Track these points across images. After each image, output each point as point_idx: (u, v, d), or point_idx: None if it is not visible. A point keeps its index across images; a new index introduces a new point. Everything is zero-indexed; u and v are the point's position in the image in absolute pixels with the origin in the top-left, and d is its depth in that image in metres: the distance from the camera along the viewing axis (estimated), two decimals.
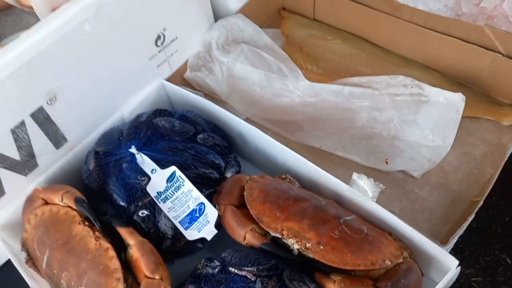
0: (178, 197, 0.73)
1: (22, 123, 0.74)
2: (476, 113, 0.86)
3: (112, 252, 0.69)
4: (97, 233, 0.70)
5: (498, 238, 0.80)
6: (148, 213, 0.73)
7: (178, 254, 0.78)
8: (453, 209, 0.77)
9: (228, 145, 0.84)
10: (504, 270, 0.77)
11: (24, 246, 0.77)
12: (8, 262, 0.85)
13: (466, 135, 0.85)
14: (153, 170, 0.74)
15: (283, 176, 0.79)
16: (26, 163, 0.78)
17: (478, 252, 0.79)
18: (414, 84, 0.85)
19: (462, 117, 0.85)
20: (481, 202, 0.71)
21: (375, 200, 0.70)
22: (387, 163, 0.83)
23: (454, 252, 0.79)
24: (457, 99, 0.81)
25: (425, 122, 0.84)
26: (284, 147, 0.79)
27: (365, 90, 0.89)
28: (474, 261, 0.78)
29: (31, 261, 0.76)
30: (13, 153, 0.75)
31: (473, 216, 0.68)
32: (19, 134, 0.74)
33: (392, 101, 0.87)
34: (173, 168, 0.73)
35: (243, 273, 0.64)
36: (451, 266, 0.62)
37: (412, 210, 0.78)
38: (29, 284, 0.73)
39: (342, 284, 0.62)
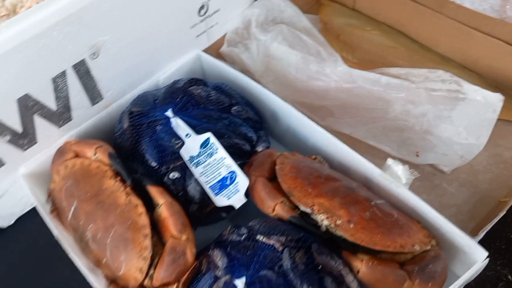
0: (210, 163, 0.73)
1: (64, 73, 0.74)
2: (510, 116, 0.86)
3: (141, 209, 0.69)
4: (128, 189, 0.71)
5: (501, 254, 0.79)
6: (179, 176, 0.73)
7: (202, 221, 0.78)
8: (480, 207, 0.77)
9: (261, 121, 0.84)
10: (504, 287, 0.76)
11: (50, 197, 0.78)
12: (30, 211, 0.86)
13: (499, 137, 0.85)
14: (187, 134, 0.74)
15: (313, 157, 0.79)
16: (61, 115, 0.79)
17: None
18: (453, 80, 0.84)
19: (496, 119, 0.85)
20: (510, 203, 0.71)
21: (408, 187, 0.70)
22: (417, 155, 0.83)
23: None
24: (495, 99, 0.81)
25: (460, 119, 0.83)
26: (317, 126, 0.79)
27: (403, 82, 0.88)
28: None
29: (56, 211, 0.77)
30: (51, 103, 0.76)
31: (503, 213, 0.68)
32: (59, 84, 0.75)
33: (428, 95, 0.87)
34: (208, 134, 0.74)
35: (271, 241, 0.64)
36: (479, 257, 0.62)
37: (439, 204, 0.78)
38: (53, 232, 0.73)
39: (370, 263, 0.62)
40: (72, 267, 0.70)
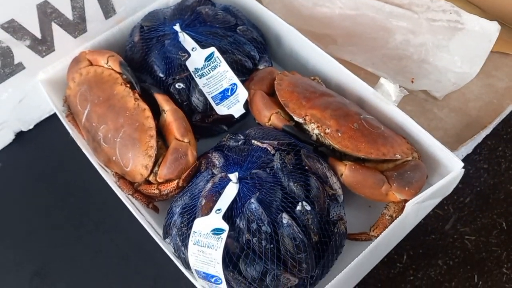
0: (213, 75, 0.78)
1: None
2: (507, 49, 0.88)
3: (148, 113, 0.75)
4: (136, 94, 0.77)
5: (499, 203, 0.82)
6: (184, 86, 0.79)
7: (204, 132, 0.84)
8: (467, 131, 0.81)
9: (264, 43, 0.88)
10: (498, 234, 0.79)
11: (66, 102, 0.84)
12: (48, 118, 0.93)
13: (493, 69, 0.88)
14: (193, 48, 0.79)
15: (312, 77, 0.84)
16: (77, 25, 0.84)
17: (476, 214, 0.81)
18: (453, 10, 0.87)
19: (492, 51, 0.87)
20: (494, 123, 0.74)
21: (396, 104, 0.74)
22: (412, 82, 0.87)
23: (453, 209, 0.81)
24: (492, 29, 0.83)
25: (456, 49, 0.86)
26: (317, 48, 0.83)
27: (405, 11, 0.91)
28: (471, 221, 0.80)
29: (71, 115, 0.83)
30: (67, 12, 0.81)
31: (485, 131, 0.72)
32: None
33: (429, 26, 0.90)
34: (212, 48, 0.78)
35: (264, 145, 0.70)
36: (456, 168, 0.67)
37: (428, 127, 0.81)
38: (70, 132, 0.80)
39: (353, 167, 0.68)
40: (85, 167, 0.77)
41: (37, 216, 0.83)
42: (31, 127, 0.93)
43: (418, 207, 0.68)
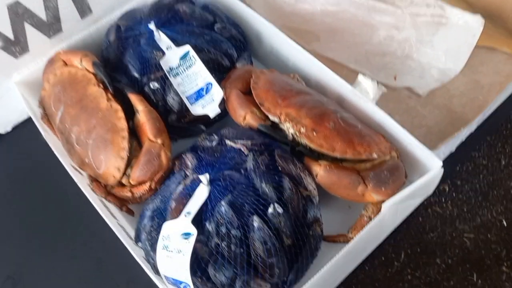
0: (188, 74, 0.76)
1: None
2: (494, 43, 0.86)
3: (121, 114, 0.74)
4: (109, 95, 0.75)
5: (498, 200, 0.80)
6: (159, 86, 0.77)
7: (182, 132, 0.82)
8: (451, 128, 0.78)
9: (244, 41, 0.86)
10: (498, 231, 0.77)
11: (41, 104, 0.83)
12: (27, 120, 0.92)
13: (479, 64, 0.85)
14: (168, 47, 0.77)
15: (292, 75, 0.82)
16: (51, 25, 0.82)
17: (476, 211, 0.79)
18: (437, 4, 0.84)
19: (479, 46, 0.85)
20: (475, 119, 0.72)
21: (375, 102, 0.72)
22: (395, 78, 0.85)
23: (451, 207, 0.80)
24: (475, 23, 0.81)
25: (440, 44, 0.84)
26: (297, 45, 0.81)
27: (388, 6, 0.88)
28: (470, 219, 0.79)
29: (46, 117, 0.82)
30: (41, 12, 0.79)
31: (464, 128, 0.69)
32: None
33: (413, 21, 0.87)
34: (187, 47, 0.77)
35: (238, 145, 0.68)
36: (435, 167, 0.65)
37: (411, 125, 0.80)
38: (42, 133, 0.79)
39: (328, 167, 0.65)
40: (63, 170, 0.75)
41: (9, 220, 0.82)
42: (9, 129, 0.92)
43: (396, 208, 0.65)
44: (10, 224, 0.81)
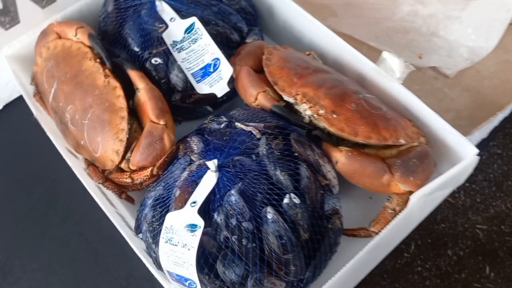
0: (194, 49, 0.69)
1: None
2: None
3: (119, 91, 0.67)
4: (107, 71, 0.68)
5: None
6: (161, 62, 0.70)
7: (186, 114, 0.76)
8: (481, 113, 0.72)
9: (255, 14, 0.79)
10: (511, 223, 0.73)
11: (33, 80, 0.76)
12: (19, 99, 0.85)
13: None
14: (172, 18, 0.70)
15: (307, 52, 0.75)
16: None
17: (489, 201, 0.76)
18: None
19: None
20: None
21: (401, 81, 0.65)
22: (420, 57, 0.78)
23: (464, 197, 0.76)
24: None
25: (470, 20, 0.77)
26: (314, 20, 0.73)
27: None
28: (484, 209, 0.75)
29: (39, 95, 0.75)
30: None
31: (501, 112, 0.63)
32: None
33: None
34: (193, 19, 0.69)
35: (249, 128, 0.61)
36: (470, 155, 0.58)
37: (438, 109, 0.72)
38: (35, 115, 0.72)
39: (350, 154, 0.59)
40: (56, 152, 0.69)
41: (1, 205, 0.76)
42: (0, 107, 0.85)
43: (425, 200, 0.59)
44: None
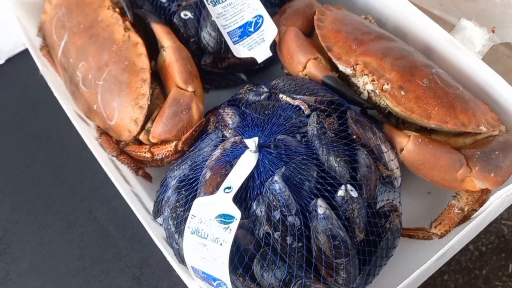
0: (232, 3, 0.59)
1: None
2: None
3: (142, 49, 0.57)
4: (127, 23, 0.59)
5: None
6: (192, 16, 0.61)
7: (216, 81, 0.67)
8: None
9: None
10: None
11: (41, 31, 0.68)
12: (23, 53, 0.76)
13: None
14: None
15: (364, 16, 0.64)
16: None
17: None
18: None
19: None
20: None
21: (481, 56, 0.54)
22: (493, 31, 0.66)
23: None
24: None
25: None
26: None
27: None
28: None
29: (46, 48, 0.67)
30: None
31: None
32: None
33: None
34: None
35: (296, 102, 0.51)
36: None
37: None
38: (41, 71, 0.63)
39: (420, 140, 0.49)
40: (63, 114, 0.60)
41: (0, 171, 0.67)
42: (2, 61, 0.76)
43: (503, 200, 0.49)
44: None
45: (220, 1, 0.58)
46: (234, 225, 0.44)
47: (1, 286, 0.60)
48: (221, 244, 0.44)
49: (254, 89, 0.56)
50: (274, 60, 0.63)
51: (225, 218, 0.45)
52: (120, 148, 0.59)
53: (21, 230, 0.63)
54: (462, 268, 0.67)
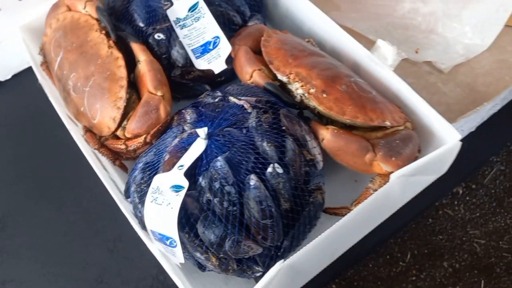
0: (196, 27, 0.72)
1: None
2: None
3: (121, 62, 0.70)
4: (111, 42, 0.71)
5: None
6: (164, 37, 0.73)
7: (186, 91, 0.78)
8: (472, 107, 0.73)
9: (259, 1, 0.82)
10: (510, 239, 0.73)
11: (42, 50, 0.79)
12: (28, 70, 0.89)
13: (509, 44, 0.79)
14: None
15: (307, 39, 0.77)
16: None
17: (489, 216, 0.77)
18: None
19: (510, 26, 0.79)
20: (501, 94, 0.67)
21: (392, 69, 0.67)
22: (417, 52, 0.79)
23: (464, 210, 0.75)
24: None
25: (468, 19, 0.78)
26: (314, 7, 0.76)
27: None
28: (483, 224, 0.76)
29: (46, 64, 0.78)
30: None
31: (488, 103, 0.64)
32: None
33: None
34: None
35: (241, 102, 0.64)
36: (453, 139, 0.60)
37: (430, 102, 0.73)
38: (40, 81, 0.75)
39: (335, 131, 0.61)
40: (60, 120, 0.72)
41: (3, 165, 0.79)
42: (9, 77, 0.89)
43: (405, 181, 0.60)
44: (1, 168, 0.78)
45: (186, 26, 0.72)
46: (182, 193, 0.55)
47: None
48: (172, 208, 0.55)
49: (210, 94, 0.68)
50: (234, 75, 0.75)
51: (176, 188, 0.56)
52: (101, 142, 0.70)
53: (18, 212, 0.74)
54: (436, 284, 0.72)
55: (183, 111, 0.67)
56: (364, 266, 0.75)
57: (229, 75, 0.76)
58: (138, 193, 0.60)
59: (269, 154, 0.58)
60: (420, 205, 0.72)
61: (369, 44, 0.80)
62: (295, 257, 0.53)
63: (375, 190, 0.62)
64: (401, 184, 0.60)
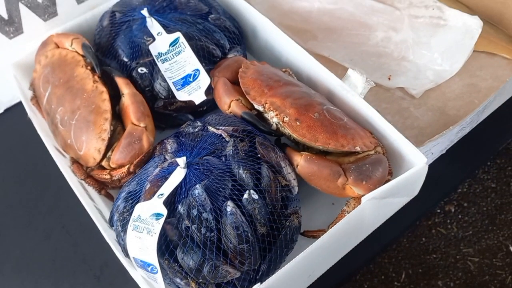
0: (177, 60, 0.75)
1: None
2: (494, 49, 0.84)
3: (105, 96, 0.73)
4: (96, 77, 0.75)
5: (506, 225, 0.79)
6: (147, 71, 0.77)
7: (169, 121, 0.82)
8: (443, 130, 0.76)
9: (239, 34, 0.86)
10: (503, 256, 0.74)
11: (32, 86, 0.83)
12: (19, 104, 0.92)
13: (478, 69, 0.83)
14: (159, 33, 0.77)
15: (284, 69, 0.81)
16: (46, 8, 0.83)
17: (481, 234, 0.78)
18: (436, 5, 0.83)
19: (479, 51, 0.83)
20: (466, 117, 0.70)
21: (363, 96, 0.70)
22: (389, 79, 0.83)
23: (456, 228, 0.77)
24: (474, 25, 0.79)
25: (437, 46, 0.82)
26: (291, 40, 0.80)
27: (386, 7, 0.87)
28: (476, 242, 0.77)
29: (35, 99, 0.82)
30: None
31: (454, 126, 0.67)
32: None
33: (411, 22, 0.86)
34: (178, 33, 0.76)
35: (219, 131, 0.67)
36: (420, 163, 0.63)
37: (402, 126, 0.78)
38: (29, 115, 0.79)
39: (308, 157, 0.64)
40: (47, 152, 0.74)
41: None
42: (1, 111, 0.92)
43: (377, 204, 0.63)
44: None
45: (168, 60, 0.76)
46: (161, 220, 0.58)
47: None
48: (152, 235, 0.58)
49: (191, 124, 0.71)
50: (216, 104, 0.78)
51: (157, 216, 0.59)
52: (87, 173, 0.73)
53: (7, 242, 0.76)
54: None
55: (164, 141, 0.70)
56: (359, 287, 0.75)
57: (211, 104, 0.79)
58: (121, 222, 0.63)
59: (245, 181, 0.61)
60: (399, 225, 0.74)
61: (344, 71, 0.84)
62: (270, 280, 0.56)
63: (349, 212, 0.65)
64: (373, 206, 0.63)
